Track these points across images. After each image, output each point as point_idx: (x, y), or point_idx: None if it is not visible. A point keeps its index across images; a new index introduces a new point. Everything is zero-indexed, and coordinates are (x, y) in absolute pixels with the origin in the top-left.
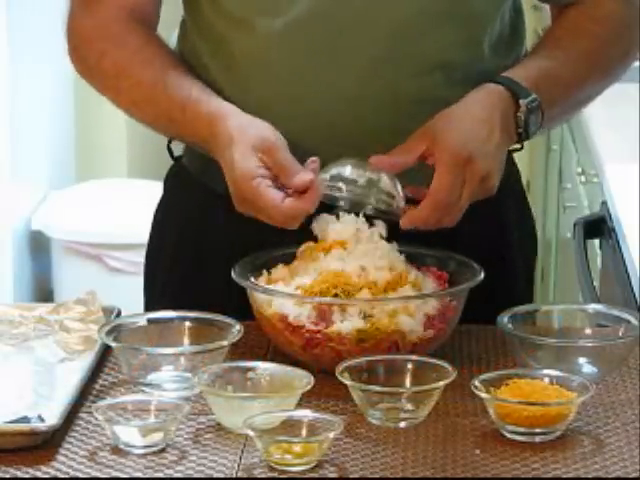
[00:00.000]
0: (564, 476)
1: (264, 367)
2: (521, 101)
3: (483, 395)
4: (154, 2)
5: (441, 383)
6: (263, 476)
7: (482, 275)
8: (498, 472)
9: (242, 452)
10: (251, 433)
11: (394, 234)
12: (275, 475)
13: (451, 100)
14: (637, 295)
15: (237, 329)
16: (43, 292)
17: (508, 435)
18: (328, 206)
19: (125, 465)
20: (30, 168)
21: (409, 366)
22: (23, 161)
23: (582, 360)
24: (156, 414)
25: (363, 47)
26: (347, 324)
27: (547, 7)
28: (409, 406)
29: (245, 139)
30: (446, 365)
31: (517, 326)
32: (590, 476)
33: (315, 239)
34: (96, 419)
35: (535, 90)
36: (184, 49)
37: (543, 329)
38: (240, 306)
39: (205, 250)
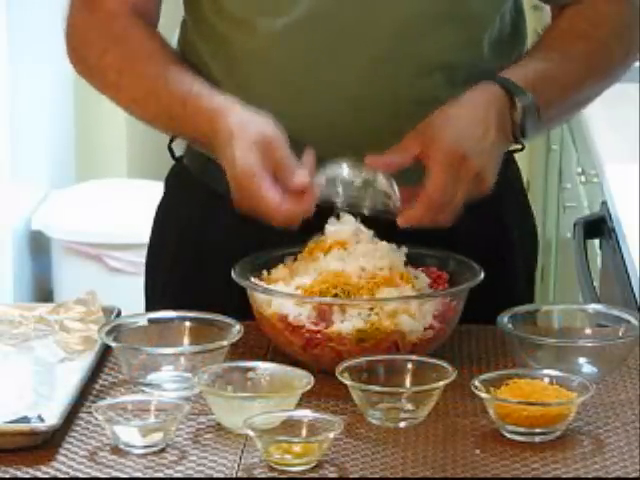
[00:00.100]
0: (564, 476)
1: (264, 367)
2: (517, 100)
3: (483, 395)
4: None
5: (441, 383)
6: (263, 476)
7: (482, 275)
8: (498, 472)
9: (242, 452)
10: (251, 433)
11: (393, 234)
12: (275, 475)
13: None
14: (637, 295)
15: (237, 329)
16: (43, 292)
17: (508, 435)
18: (326, 207)
19: (125, 465)
20: (30, 168)
21: (409, 366)
22: (23, 161)
23: (582, 360)
24: (156, 414)
25: (363, 47)
26: (347, 324)
27: (547, 7)
28: (409, 406)
29: (246, 135)
30: (446, 365)
31: (517, 326)
32: (590, 476)
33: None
34: (96, 419)
35: (531, 90)
36: (185, 49)
37: (543, 329)
38: (240, 306)
39: (205, 250)
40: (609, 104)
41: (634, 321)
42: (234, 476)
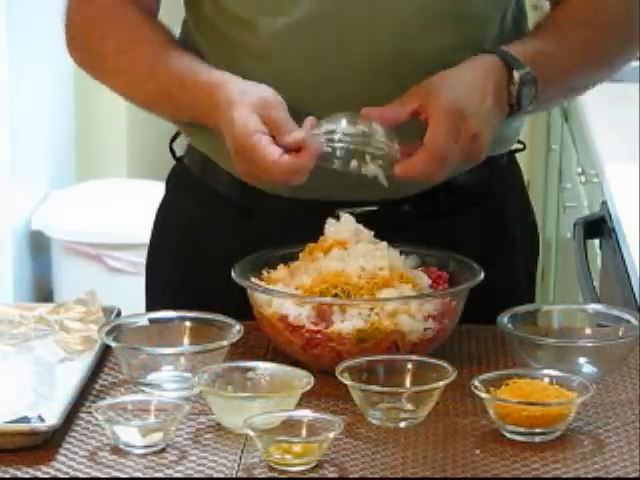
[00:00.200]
0: (564, 476)
1: (264, 367)
2: (515, 72)
3: (483, 395)
4: None
5: (441, 383)
6: (263, 476)
7: (482, 275)
8: (498, 472)
9: (242, 452)
10: (251, 433)
11: (394, 234)
12: (275, 475)
13: None
14: (637, 295)
15: (237, 329)
16: (43, 292)
17: (508, 435)
18: (326, 208)
19: (125, 465)
20: (30, 168)
21: (409, 366)
22: (23, 161)
23: (582, 360)
24: (156, 414)
25: (364, 47)
26: (347, 324)
27: (547, 7)
28: (409, 406)
29: (245, 100)
30: (446, 365)
31: (517, 326)
32: (590, 476)
33: (315, 239)
34: (96, 419)
35: (530, 64)
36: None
37: (543, 329)
38: (240, 306)
39: (206, 250)
40: (609, 104)
41: (634, 321)
42: (234, 476)
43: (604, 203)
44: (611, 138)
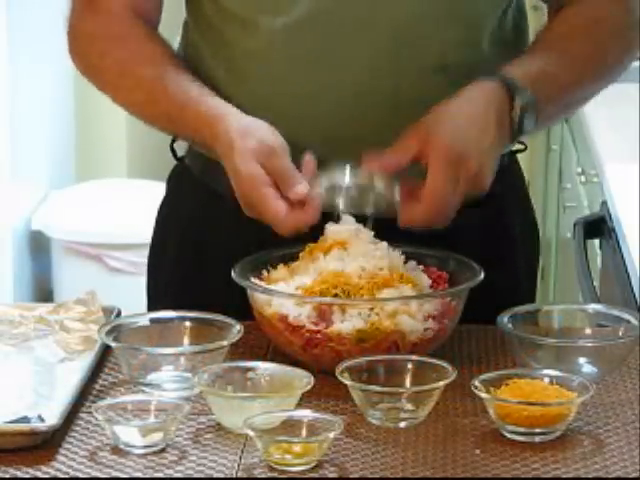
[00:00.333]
0: (564, 476)
1: (264, 367)
2: (516, 98)
3: (483, 395)
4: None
5: (441, 383)
6: (263, 476)
7: (482, 275)
8: (498, 472)
9: (242, 452)
10: (251, 433)
11: (393, 234)
12: (275, 475)
13: None
14: (637, 295)
15: (237, 329)
16: (43, 292)
17: (508, 435)
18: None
19: (125, 465)
20: (30, 168)
21: (409, 366)
22: (23, 161)
23: (582, 360)
24: (156, 414)
25: (363, 47)
26: (347, 324)
27: (546, 7)
28: (409, 406)
29: (246, 144)
30: (446, 365)
31: (517, 326)
32: (590, 476)
33: (315, 240)
34: (96, 419)
35: (530, 87)
36: (187, 50)
37: (543, 329)
38: (240, 306)
39: (206, 250)
40: (609, 104)
41: (634, 321)
42: (234, 476)
43: (604, 203)
44: (611, 138)
